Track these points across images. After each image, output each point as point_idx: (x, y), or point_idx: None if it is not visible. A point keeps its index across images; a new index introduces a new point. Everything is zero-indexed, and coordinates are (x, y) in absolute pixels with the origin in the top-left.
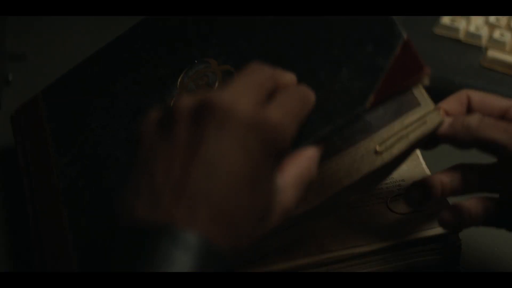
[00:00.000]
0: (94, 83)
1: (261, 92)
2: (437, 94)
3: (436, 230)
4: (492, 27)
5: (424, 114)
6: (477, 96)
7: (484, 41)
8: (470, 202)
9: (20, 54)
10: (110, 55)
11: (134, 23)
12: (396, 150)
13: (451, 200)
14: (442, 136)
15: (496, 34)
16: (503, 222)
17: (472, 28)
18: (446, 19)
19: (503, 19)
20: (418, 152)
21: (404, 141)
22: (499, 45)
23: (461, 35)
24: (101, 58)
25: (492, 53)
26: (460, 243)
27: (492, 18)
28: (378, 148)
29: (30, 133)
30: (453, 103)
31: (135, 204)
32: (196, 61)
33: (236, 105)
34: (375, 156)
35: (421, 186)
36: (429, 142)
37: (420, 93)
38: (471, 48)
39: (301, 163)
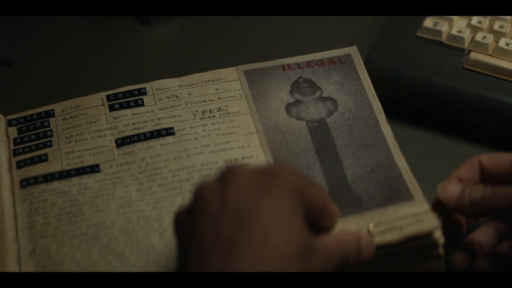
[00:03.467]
0: None
1: None
2: (421, 96)
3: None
4: (474, 29)
5: (419, 212)
6: (487, 158)
7: (466, 44)
8: (480, 232)
9: (7, 60)
10: None
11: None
12: (389, 237)
13: None
14: (450, 209)
15: (479, 36)
16: None
17: (454, 31)
18: (429, 22)
19: (486, 22)
20: None
21: (397, 233)
22: (482, 47)
23: (444, 38)
24: None
25: (475, 55)
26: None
27: (474, 21)
28: (371, 228)
29: None
30: (466, 169)
31: None
32: None
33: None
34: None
35: (462, 251)
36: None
37: (413, 186)
38: (454, 50)
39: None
